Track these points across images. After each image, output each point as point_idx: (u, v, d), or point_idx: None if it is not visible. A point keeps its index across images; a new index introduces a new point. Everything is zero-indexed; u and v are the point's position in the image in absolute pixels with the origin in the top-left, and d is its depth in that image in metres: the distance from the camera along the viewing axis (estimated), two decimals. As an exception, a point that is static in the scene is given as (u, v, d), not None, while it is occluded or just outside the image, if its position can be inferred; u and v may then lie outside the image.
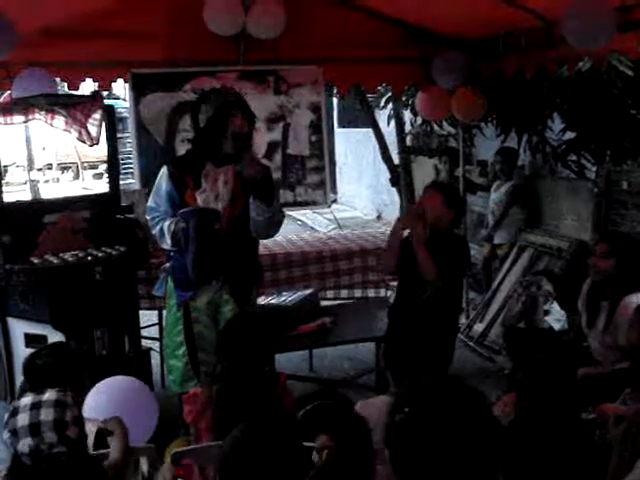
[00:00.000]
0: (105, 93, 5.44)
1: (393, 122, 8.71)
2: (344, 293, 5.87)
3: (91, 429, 2.89)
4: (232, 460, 1.87)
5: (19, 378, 4.07)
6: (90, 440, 2.86)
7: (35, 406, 2.39)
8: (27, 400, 2.44)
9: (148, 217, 4.13)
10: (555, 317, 4.62)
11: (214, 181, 3.97)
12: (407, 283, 4.17)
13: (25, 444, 2.35)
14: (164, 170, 4.07)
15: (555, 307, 4.64)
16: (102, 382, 3.33)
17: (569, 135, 6.75)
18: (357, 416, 2.17)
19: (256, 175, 3.93)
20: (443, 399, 1.86)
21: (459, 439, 1.78)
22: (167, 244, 4.05)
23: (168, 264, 4.20)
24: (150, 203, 4.13)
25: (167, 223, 4.00)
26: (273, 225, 4.17)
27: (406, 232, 4.15)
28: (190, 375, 4.08)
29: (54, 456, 2.37)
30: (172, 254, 4.16)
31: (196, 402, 3.21)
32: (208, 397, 3.17)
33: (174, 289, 4.12)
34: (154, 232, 4.10)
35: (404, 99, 7.81)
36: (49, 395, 2.43)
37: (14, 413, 2.41)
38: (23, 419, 2.37)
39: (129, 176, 6.48)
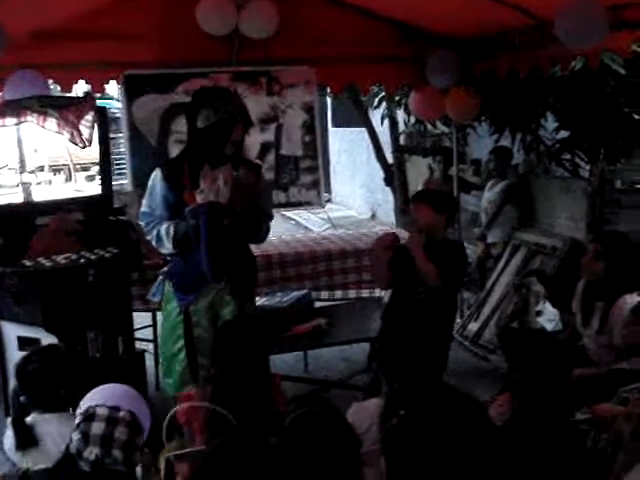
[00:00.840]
0: (98, 93, 5.40)
1: (387, 121, 8.71)
2: (338, 294, 5.86)
3: None
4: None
5: (12, 381, 4.05)
6: None
7: (112, 421, 2.46)
8: (103, 411, 2.50)
9: (142, 222, 4.07)
10: (547, 317, 4.62)
11: (212, 181, 3.96)
12: (401, 286, 4.17)
13: (92, 452, 2.41)
14: (157, 173, 4.01)
15: (547, 307, 4.64)
16: (94, 390, 3.30)
17: (563, 134, 6.76)
18: (344, 423, 2.15)
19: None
20: (438, 403, 1.85)
21: (454, 442, 1.78)
22: (166, 248, 4.00)
23: (165, 268, 4.17)
24: (144, 208, 4.06)
25: (164, 226, 3.96)
26: (264, 234, 4.23)
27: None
28: (188, 379, 4.06)
29: (115, 473, 2.44)
30: (169, 258, 4.13)
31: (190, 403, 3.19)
32: (202, 398, 3.16)
33: (174, 293, 4.10)
34: (149, 237, 4.05)
35: (397, 98, 7.81)
36: (124, 415, 2.50)
37: (90, 418, 2.47)
38: (98, 427, 2.44)
39: (122, 177, 6.46)
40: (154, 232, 4.00)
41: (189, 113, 4.03)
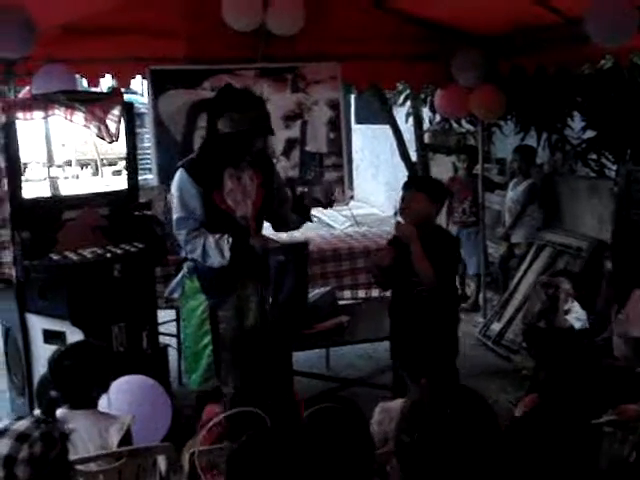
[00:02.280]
0: (123, 88, 5.43)
1: (411, 119, 8.67)
2: (362, 294, 5.84)
3: (115, 428, 2.89)
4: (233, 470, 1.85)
5: (37, 374, 4.09)
6: (115, 439, 2.85)
7: (0, 433, 2.21)
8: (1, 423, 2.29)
9: (182, 231, 3.94)
10: (576, 316, 4.57)
11: (237, 179, 3.98)
12: (404, 283, 4.09)
13: None
14: (183, 175, 3.94)
15: (575, 306, 4.59)
16: (116, 381, 3.31)
17: (589, 134, 6.70)
18: (361, 420, 2.13)
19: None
20: (450, 417, 1.83)
21: (467, 456, 1.77)
22: (213, 262, 3.91)
23: (186, 266, 4.16)
24: (179, 214, 3.94)
25: (212, 240, 3.89)
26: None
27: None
28: (212, 374, 4.08)
29: None
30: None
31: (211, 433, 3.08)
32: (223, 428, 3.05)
33: (202, 292, 4.09)
34: (189, 247, 3.94)
35: (422, 96, 7.78)
36: (19, 425, 2.24)
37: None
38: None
39: (147, 172, 6.48)
40: (199, 243, 3.91)
41: (211, 110, 4.02)
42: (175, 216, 3.99)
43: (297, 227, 4.48)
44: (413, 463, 1.80)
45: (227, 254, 3.88)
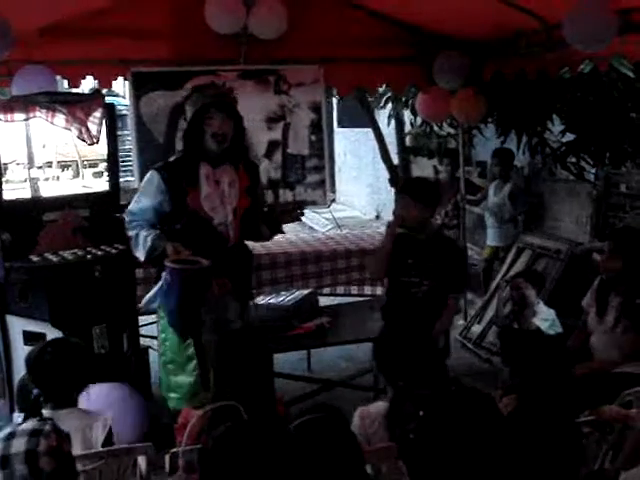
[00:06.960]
0: (105, 90, 5.41)
1: (393, 122, 8.70)
2: (340, 289, 5.90)
3: (99, 425, 2.89)
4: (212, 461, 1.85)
5: (17, 376, 4.07)
6: (100, 437, 2.85)
7: (9, 437, 2.19)
8: (5, 431, 2.27)
9: (126, 218, 4.02)
10: (542, 317, 4.58)
11: (215, 183, 3.93)
12: (399, 283, 4.15)
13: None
14: (155, 176, 3.93)
15: (541, 307, 4.61)
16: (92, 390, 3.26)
17: (569, 137, 6.76)
18: (347, 429, 2.13)
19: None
20: (455, 401, 1.86)
21: (477, 439, 1.79)
22: (138, 254, 3.96)
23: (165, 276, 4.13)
24: (132, 207, 4.00)
25: (144, 234, 3.90)
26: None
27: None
28: (197, 388, 3.90)
29: None
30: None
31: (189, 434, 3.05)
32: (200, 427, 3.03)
33: None
34: (129, 234, 4.01)
35: (404, 99, 7.81)
36: (26, 425, 2.25)
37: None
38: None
39: (128, 174, 6.47)
40: (133, 232, 3.95)
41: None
42: (130, 205, 4.03)
43: (267, 239, 4.42)
44: (421, 446, 1.82)
45: (142, 256, 3.92)
